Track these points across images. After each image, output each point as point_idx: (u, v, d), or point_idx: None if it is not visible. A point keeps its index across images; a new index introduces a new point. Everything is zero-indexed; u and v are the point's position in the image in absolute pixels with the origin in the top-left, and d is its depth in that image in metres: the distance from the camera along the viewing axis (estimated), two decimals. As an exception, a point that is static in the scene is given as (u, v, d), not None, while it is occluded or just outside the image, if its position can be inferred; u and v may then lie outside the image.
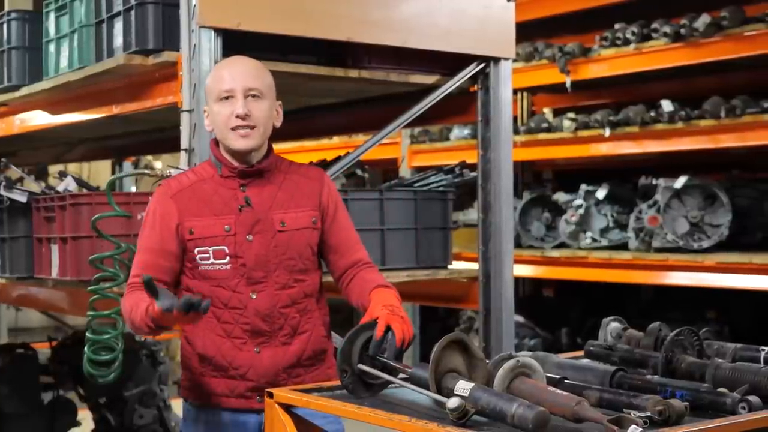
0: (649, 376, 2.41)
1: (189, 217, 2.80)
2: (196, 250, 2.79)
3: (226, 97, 2.78)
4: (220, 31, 3.35)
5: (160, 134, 5.90)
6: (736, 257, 5.65)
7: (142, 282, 2.46)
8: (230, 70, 2.82)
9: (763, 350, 2.57)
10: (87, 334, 3.60)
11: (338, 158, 4.02)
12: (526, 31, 6.63)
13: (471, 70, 4.08)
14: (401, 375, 2.44)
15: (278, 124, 2.90)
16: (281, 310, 2.81)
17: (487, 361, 2.30)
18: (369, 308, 2.67)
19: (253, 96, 2.78)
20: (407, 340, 2.54)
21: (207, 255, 2.79)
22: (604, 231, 6.54)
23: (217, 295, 2.78)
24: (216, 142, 2.89)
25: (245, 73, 2.81)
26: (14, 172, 4.73)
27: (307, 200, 2.88)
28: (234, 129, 2.77)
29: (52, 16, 4.20)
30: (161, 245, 2.79)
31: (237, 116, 2.75)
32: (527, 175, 8.08)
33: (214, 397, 2.84)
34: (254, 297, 2.79)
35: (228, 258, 2.78)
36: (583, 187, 6.66)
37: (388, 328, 2.54)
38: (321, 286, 2.95)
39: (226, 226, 2.78)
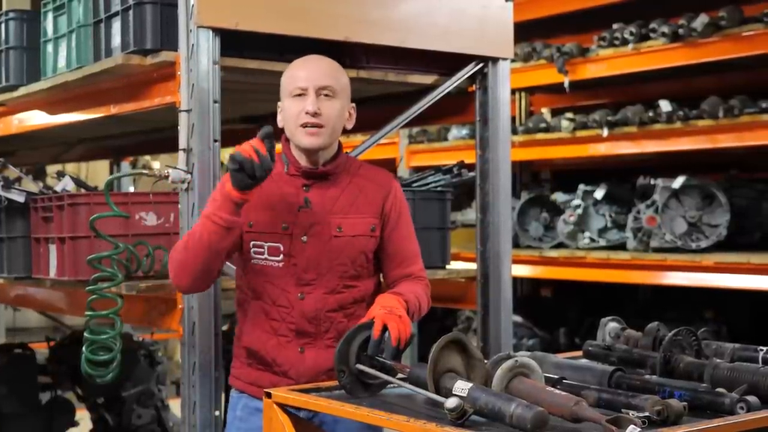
0: (647, 376, 2.41)
1: (251, 209, 2.80)
2: (251, 243, 2.82)
3: (299, 94, 2.79)
4: (218, 31, 3.35)
5: (158, 134, 5.89)
6: (734, 257, 5.65)
7: (262, 132, 2.58)
8: (305, 67, 2.84)
9: (762, 350, 2.57)
10: (85, 334, 3.60)
11: (336, 158, 4.01)
12: (524, 31, 6.62)
13: (469, 70, 4.08)
14: (399, 375, 2.44)
15: (350, 126, 2.91)
16: (327, 314, 2.82)
17: (486, 361, 2.30)
18: (369, 310, 2.67)
19: (326, 95, 2.80)
20: (403, 340, 2.54)
21: (261, 250, 2.81)
22: (602, 231, 6.54)
23: (267, 291, 2.82)
24: (287, 138, 2.89)
25: (320, 71, 2.82)
26: (12, 171, 4.71)
27: (369, 206, 2.87)
28: (303, 126, 2.78)
29: (50, 15, 4.20)
30: None
31: (307, 113, 2.77)
32: (525, 175, 8.08)
33: (256, 388, 2.87)
34: (302, 298, 2.80)
35: (282, 256, 2.80)
36: (582, 187, 6.66)
37: (386, 328, 2.54)
38: (376, 291, 2.93)
39: (283, 225, 2.80)
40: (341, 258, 2.83)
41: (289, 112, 2.82)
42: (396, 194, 2.94)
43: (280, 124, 2.90)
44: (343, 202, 2.85)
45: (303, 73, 2.82)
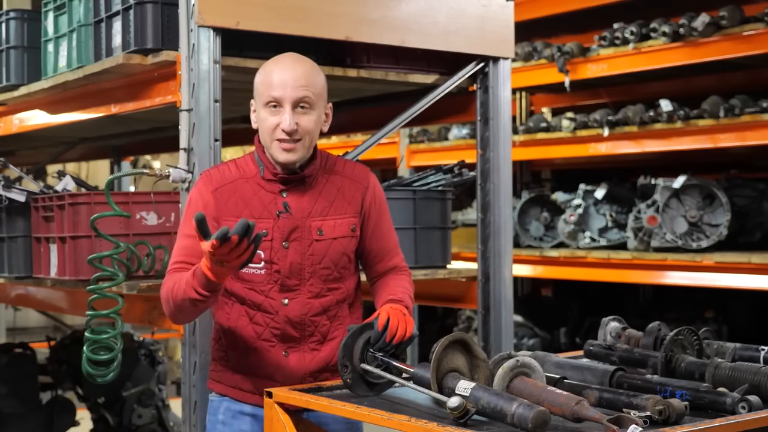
0: (648, 376, 2.41)
1: (227, 215, 2.73)
2: None
3: (274, 105, 2.69)
4: (219, 31, 3.35)
5: (159, 134, 5.90)
6: (734, 257, 5.64)
7: (195, 220, 2.34)
8: (281, 75, 2.69)
9: (763, 350, 2.57)
10: (86, 334, 3.60)
11: (337, 158, 4.01)
12: (524, 31, 6.62)
13: (470, 69, 4.08)
14: (404, 375, 2.44)
15: (326, 129, 2.81)
16: (312, 318, 2.78)
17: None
18: (376, 312, 2.67)
19: (302, 107, 2.69)
20: (399, 336, 2.53)
21: None
22: (602, 231, 6.54)
23: (250, 297, 2.77)
24: (260, 141, 2.80)
25: (296, 81, 2.68)
26: (13, 171, 4.72)
27: (347, 206, 2.81)
28: (278, 140, 2.69)
29: (50, 15, 4.20)
30: None
31: (283, 130, 2.67)
32: (526, 174, 8.08)
33: (239, 391, 2.84)
34: (286, 303, 2.75)
35: (263, 263, 2.74)
36: (582, 186, 6.65)
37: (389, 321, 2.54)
38: (357, 290, 2.90)
39: (263, 231, 2.71)
40: (324, 261, 2.77)
41: (265, 123, 2.70)
42: (374, 189, 2.88)
43: (254, 125, 2.80)
44: (322, 203, 2.78)
45: (279, 83, 2.68)
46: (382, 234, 2.89)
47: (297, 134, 2.69)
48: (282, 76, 2.69)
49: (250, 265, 2.68)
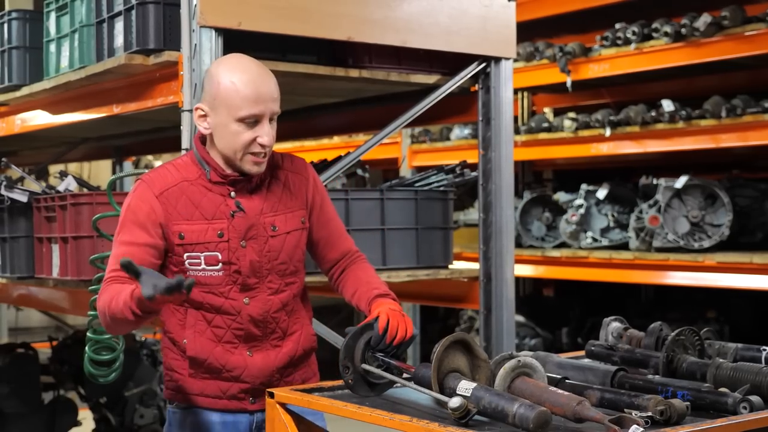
0: (650, 376, 2.41)
1: (178, 220, 2.70)
2: (185, 255, 2.71)
3: (251, 121, 2.68)
4: (220, 31, 3.35)
5: (161, 134, 5.90)
6: (736, 257, 5.65)
7: (121, 266, 2.30)
8: (258, 91, 2.68)
9: (764, 350, 2.57)
10: (88, 334, 3.61)
11: (339, 158, 4.02)
12: (526, 31, 6.62)
13: (472, 69, 4.08)
14: (405, 375, 2.44)
15: None
16: (273, 315, 2.78)
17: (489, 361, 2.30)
18: (372, 312, 2.67)
19: (272, 119, 2.72)
20: (398, 339, 2.54)
21: (198, 261, 2.71)
22: (604, 231, 6.54)
23: (208, 300, 2.74)
24: (202, 141, 2.79)
25: (272, 94, 2.70)
26: (15, 171, 4.73)
27: (294, 200, 2.84)
28: (252, 153, 2.70)
29: (52, 15, 4.20)
30: (146, 240, 2.67)
31: (262, 145, 2.68)
32: (528, 174, 8.08)
33: (204, 398, 2.79)
34: (248, 303, 2.75)
35: (220, 264, 2.72)
36: (584, 186, 6.66)
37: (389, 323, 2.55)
38: (304, 283, 2.94)
39: (219, 232, 2.71)
40: (281, 257, 2.78)
41: (240, 138, 2.67)
42: (315, 180, 2.92)
43: (206, 131, 2.74)
44: (272, 200, 2.80)
45: (258, 99, 2.67)
46: (328, 220, 2.92)
47: (271, 147, 2.74)
48: (261, 93, 2.69)
49: (206, 267, 2.72)
